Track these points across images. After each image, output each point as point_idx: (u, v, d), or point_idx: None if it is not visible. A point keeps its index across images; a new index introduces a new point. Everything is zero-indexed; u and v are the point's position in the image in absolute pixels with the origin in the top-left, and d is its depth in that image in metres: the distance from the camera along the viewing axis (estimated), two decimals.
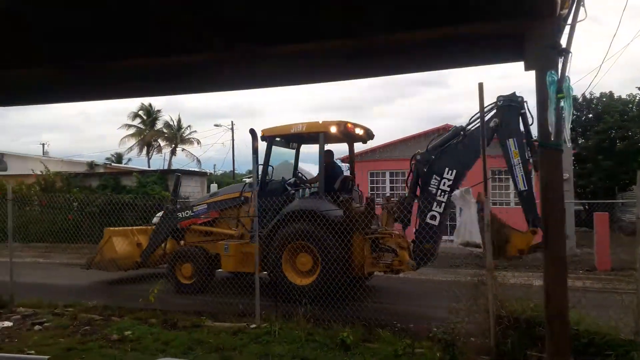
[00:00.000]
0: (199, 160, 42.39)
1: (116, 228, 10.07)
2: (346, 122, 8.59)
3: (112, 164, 29.35)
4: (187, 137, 42.83)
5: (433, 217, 7.64)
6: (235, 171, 39.14)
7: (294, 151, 9.91)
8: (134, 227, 10.22)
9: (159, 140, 41.95)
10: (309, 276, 8.02)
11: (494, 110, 7.24)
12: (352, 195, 8.76)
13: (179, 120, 42.69)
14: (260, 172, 8.47)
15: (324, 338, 5.93)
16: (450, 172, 7.44)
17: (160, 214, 11.18)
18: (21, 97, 4.08)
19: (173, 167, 30.60)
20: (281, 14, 2.73)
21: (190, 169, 25.37)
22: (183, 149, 42.68)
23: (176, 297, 8.13)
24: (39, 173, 18.32)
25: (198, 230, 9.30)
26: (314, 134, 8.62)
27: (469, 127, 7.47)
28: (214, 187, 22.85)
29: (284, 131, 8.96)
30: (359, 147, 10.83)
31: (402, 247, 7.86)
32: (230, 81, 3.65)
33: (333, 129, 8.36)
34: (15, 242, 12.86)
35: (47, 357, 4.23)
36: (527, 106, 7.17)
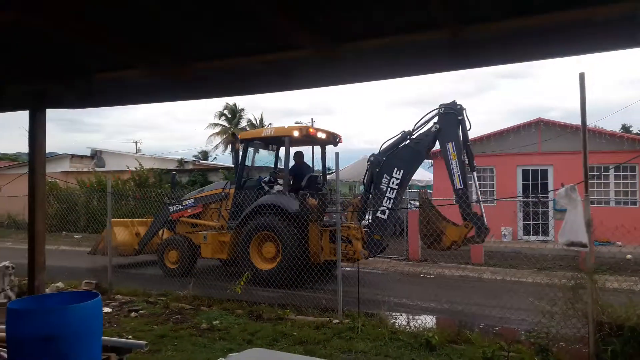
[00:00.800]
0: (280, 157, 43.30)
1: (118, 219, 11.28)
2: (308, 127, 10.03)
3: (200, 161, 30.70)
4: None
5: (383, 212, 8.76)
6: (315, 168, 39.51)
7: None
8: (135, 219, 11.62)
9: None
10: (272, 262, 9.03)
11: (436, 117, 8.26)
12: (321, 191, 9.81)
13: (261, 119, 43.88)
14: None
15: (407, 337, 5.80)
16: (398, 172, 8.49)
17: None
18: (121, 98, 4.28)
19: (256, 165, 31.39)
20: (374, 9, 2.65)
21: (267, 165, 25.86)
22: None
23: (261, 290, 8.31)
24: (134, 169, 19.56)
25: (185, 222, 10.46)
26: (282, 138, 9.62)
27: (415, 132, 8.49)
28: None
29: (257, 135, 10.48)
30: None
31: (357, 238, 8.77)
32: (317, 78, 3.61)
33: (296, 133, 9.31)
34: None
35: (145, 342, 4.44)
36: (465, 113, 8.12)
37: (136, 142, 45.28)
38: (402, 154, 8.65)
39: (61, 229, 15.75)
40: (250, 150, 10.35)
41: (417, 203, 17.08)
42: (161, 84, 4.12)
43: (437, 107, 8.35)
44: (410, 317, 6.87)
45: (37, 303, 3.88)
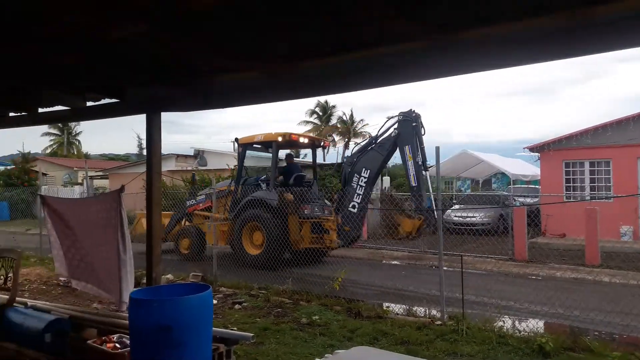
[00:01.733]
0: None
1: (144, 212, 11.89)
2: (291, 134, 11.16)
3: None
4: (359, 130, 43.99)
5: (353, 206, 10.34)
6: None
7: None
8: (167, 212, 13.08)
9: (334, 135, 43.84)
10: (259, 248, 10.57)
11: (397, 124, 9.66)
12: (309, 187, 11.09)
13: (352, 115, 44.07)
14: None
15: (517, 342, 5.46)
16: (365, 171, 9.88)
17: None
18: (237, 99, 4.43)
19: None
20: None
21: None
22: (356, 143, 43.98)
23: (359, 287, 8.29)
24: (233, 167, 20.41)
25: (198, 214, 12.08)
26: (270, 142, 11.11)
27: (380, 137, 9.96)
28: (386, 179, 22.95)
29: (251, 140, 11.70)
30: (544, 135, 10.91)
31: (332, 229, 10.37)
32: (427, 71, 3.47)
33: (280, 139, 10.83)
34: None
35: (251, 334, 4.58)
36: (420, 120, 9.46)
37: (233, 142, 47.37)
38: (370, 156, 10.13)
39: None
40: (248, 152, 12.21)
41: (524, 200, 16.28)
42: (273, 84, 4.19)
43: (399, 114, 9.82)
44: (519, 320, 6.49)
45: (155, 293, 4.13)
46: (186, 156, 28.47)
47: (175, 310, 3.73)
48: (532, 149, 16.08)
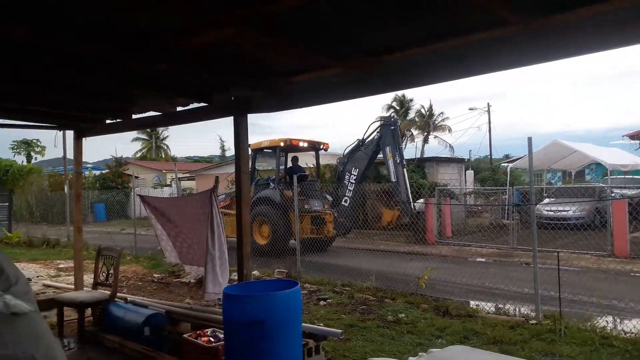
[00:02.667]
0: (451, 147, 41.96)
1: None
2: (292, 139, 12.59)
3: None
4: (439, 124, 42.84)
5: (346, 201, 12.45)
6: (493, 156, 37.28)
7: None
8: None
9: (412, 129, 43.01)
10: (266, 239, 12.11)
11: (379, 128, 11.55)
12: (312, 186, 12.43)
13: (430, 108, 43.00)
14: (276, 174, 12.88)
15: (623, 343, 5.06)
16: (355, 170, 11.64)
17: (419, 201, 11.81)
18: (318, 97, 4.45)
19: (426, 156, 30.84)
20: None
21: (446, 157, 25.16)
22: (435, 137, 42.88)
23: (446, 285, 8.06)
24: (311, 166, 20.63)
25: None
26: (274, 147, 12.77)
27: (367, 139, 11.67)
28: (469, 174, 22.18)
29: (259, 145, 13.34)
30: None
31: (329, 222, 11.85)
32: (512, 59, 3.28)
33: (282, 144, 12.46)
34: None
35: (340, 331, 4.59)
36: (398, 125, 11.38)
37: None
38: (358, 156, 11.89)
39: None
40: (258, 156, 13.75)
41: (624, 191, 15.12)
42: (355, 80, 4.16)
43: (381, 120, 11.62)
44: (624, 320, 5.99)
45: (246, 289, 4.24)
46: (264, 156, 29.09)
47: (268, 305, 3.81)
48: (632, 136, 14.86)
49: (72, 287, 7.45)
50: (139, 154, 52.44)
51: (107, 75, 4.17)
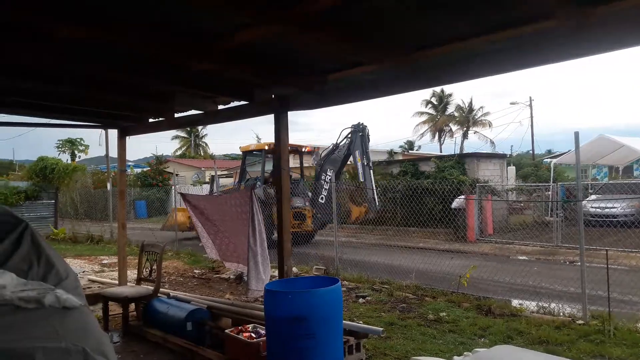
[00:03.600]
0: (492, 143, 40.99)
1: (178, 207, 15.45)
2: (272, 143, 12.86)
3: (408, 151, 30.86)
4: (479, 119, 41.90)
5: (322, 198, 13.36)
6: (535, 152, 36.16)
7: None
8: None
9: (450, 124, 42.26)
10: None
11: (350, 133, 12.70)
12: (296, 184, 14.13)
13: (470, 103, 42.11)
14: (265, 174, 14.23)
15: None
16: (330, 170, 12.75)
17: (460, 197, 11.59)
18: (353, 95, 4.41)
19: (465, 151, 30.29)
20: None
21: (487, 152, 24.60)
22: (475, 132, 41.96)
23: (488, 283, 7.87)
24: (349, 163, 20.55)
25: None
26: (260, 150, 14.47)
27: (340, 143, 12.85)
28: (511, 170, 21.62)
29: (247, 148, 15.11)
30: None
31: (308, 217, 13.09)
32: (564, 50, 3.14)
33: (266, 147, 13.92)
34: (332, 223, 14.81)
35: (381, 329, 4.54)
36: (367, 131, 12.45)
37: (346, 138, 47.65)
38: (332, 158, 13.07)
39: None
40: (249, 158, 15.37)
41: None
42: (395, 76, 4.10)
43: (351, 126, 12.86)
44: None
45: (288, 286, 4.25)
46: (302, 153, 29.19)
47: (310, 302, 3.80)
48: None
49: (116, 282, 7.66)
50: (178, 152, 53.55)
51: (151, 74, 4.23)
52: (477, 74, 3.62)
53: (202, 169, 39.89)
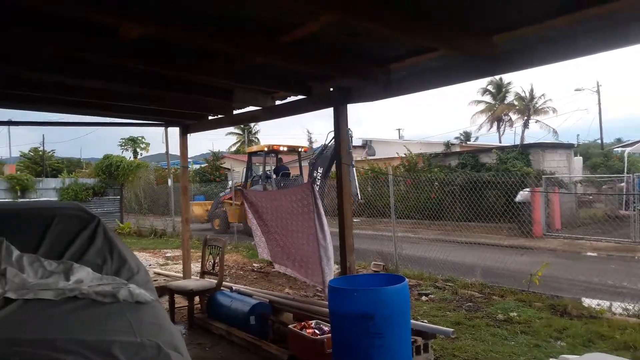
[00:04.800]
0: (555, 132, 38.98)
1: (196, 202, 19.04)
2: (272, 145, 16.27)
3: (465, 142, 29.97)
4: (540, 107, 39.91)
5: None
6: (603, 141, 34.12)
7: None
8: (206, 202, 19.37)
9: (510, 114, 40.54)
10: None
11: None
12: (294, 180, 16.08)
13: (531, 91, 40.16)
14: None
15: None
16: (320, 168, 13.33)
17: (524, 190, 11.03)
18: (417, 84, 4.23)
19: (526, 142, 29.03)
20: None
21: (553, 142, 23.50)
22: (536, 121, 40.04)
23: (560, 282, 7.46)
24: (403, 155, 20.21)
25: (226, 202, 17.14)
26: (262, 151, 16.49)
27: (329, 143, 12.97)
28: (577, 160, 20.50)
29: (251, 150, 18.05)
30: None
31: None
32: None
33: (266, 149, 16.15)
34: (386, 218, 14.57)
35: (451, 330, 4.36)
36: (350, 133, 11.05)
37: (399, 130, 47.00)
38: (322, 157, 13.56)
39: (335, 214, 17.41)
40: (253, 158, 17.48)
41: None
42: (459, 63, 3.90)
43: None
44: None
45: (352, 283, 4.15)
46: (355, 146, 29.13)
47: (377, 300, 3.69)
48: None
49: (180, 275, 7.84)
50: (232, 148, 54.60)
51: (213, 71, 4.23)
52: (559, 57, 3.35)
53: (257, 164, 40.40)
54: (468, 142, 30.78)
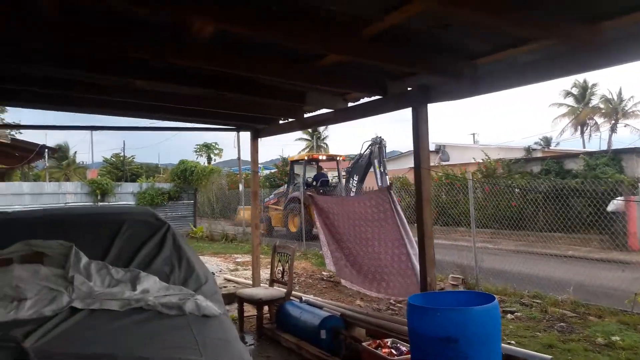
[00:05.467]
0: None
1: (247, 206, 17.81)
2: (313, 154, 20.76)
3: (546, 147, 28.21)
4: (630, 110, 36.85)
5: None
6: None
7: None
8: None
9: (595, 117, 37.76)
10: (296, 228, 16.00)
11: (370, 145, 14.83)
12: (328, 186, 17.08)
13: (620, 92, 37.21)
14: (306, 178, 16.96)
15: None
16: (355, 176, 15.17)
17: (618, 199, 10.12)
18: (508, 80, 3.79)
19: (613, 147, 26.93)
20: None
21: None
22: (626, 125, 37.02)
23: None
24: (480, 161, 19.25)
25: (270, 207, 17.96)
26: (302, 160, 17.93)
27: (363, 153, 14.91)
28: None
29: (292, 159, 19.39)
30: None
31: None
32: None
33: (306, 157, 18.02)
34: (462, 227, 13.83)
35: (549, 357, 3.85)
36: (384, 142, 14.61)
37: (473, 134, 45.26)
38: (357, 166, 14.89)
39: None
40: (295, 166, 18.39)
41: None
42: (556, 56, 3.43)
43: (370, 139, 14.65)
44: None
45: (433, 300, 3.77)
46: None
47: (461, 321, 3.30)
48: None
49: (250, 282, 7.74)
50: (302, 153, 55.11)
51: (286, 71, 4.03)
52: None
53: (324, 170, 40.46)
54: (554, 148, 28.89)
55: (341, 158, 18.43)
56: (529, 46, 3.40)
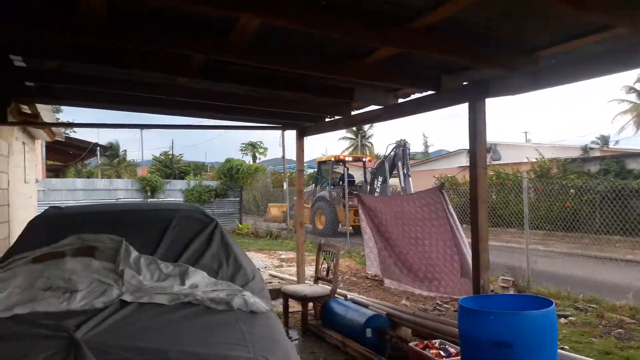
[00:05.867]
0: None
1: (274, 203, 20.18)
2: (338, 156, 19.35)
3: (605, 146, 26.83)
4: None
5: None
6: None
7: None
8: (282, 204, 19.63)
9: None
10: (323, 225, 17.37)
11: (395, 147, 15.52)
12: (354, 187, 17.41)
13: None
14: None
15: None
16: (380, 177, 15.76)
17: None
18: (573, 74, 3.59)
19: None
20: None
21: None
22: None
23: None
24: (534, 160, 18.57)
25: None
26: (330, 161, 18.59)
27: (387, 156, 15.70)
28: None
29: (320, 159, 19.60)
30: None
31: None
32: None
33: (333, 159, 18.49)
34: (512, 228, 13.35)
35: None
36: (408, 145, 15.39)
37: (525, 133, 43.74)
38: (382, 167, 15.58)
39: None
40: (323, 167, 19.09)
41: None
42: (628, 46, 3.21)
43: (395, 142, 15.51)
44: None
45: (485, 303, 3.63)
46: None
47: (517, 325, 3.17)
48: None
49: (294, 278, 7.76)
50: (346, 153, 54.92)
51: (334, 67, 3.97)
52: None
53: (369, 169, 40.23)
54: (613, 147, 27.39)
55: (367, 159, 19.39)
56: (597, 36, 3.20)
